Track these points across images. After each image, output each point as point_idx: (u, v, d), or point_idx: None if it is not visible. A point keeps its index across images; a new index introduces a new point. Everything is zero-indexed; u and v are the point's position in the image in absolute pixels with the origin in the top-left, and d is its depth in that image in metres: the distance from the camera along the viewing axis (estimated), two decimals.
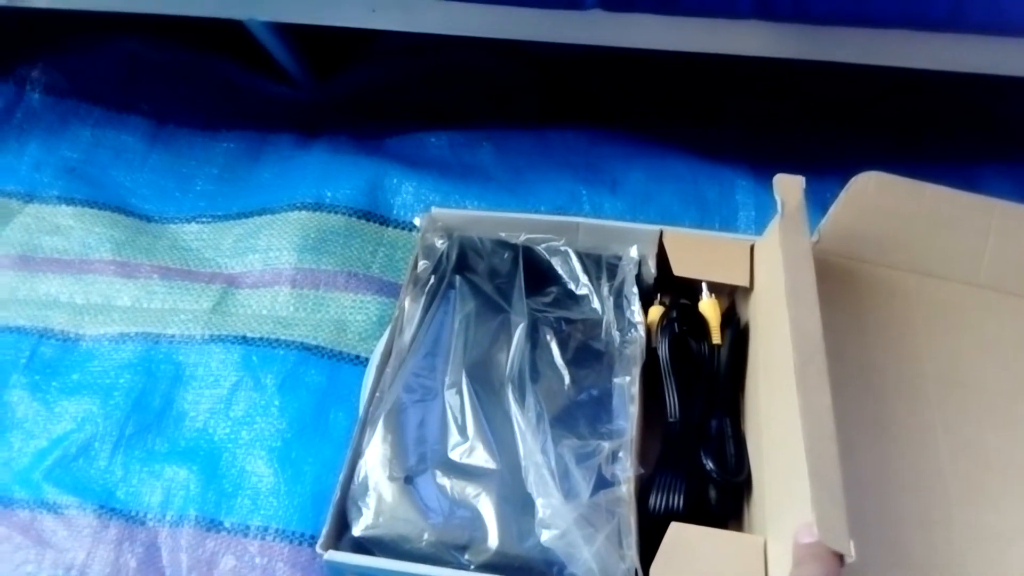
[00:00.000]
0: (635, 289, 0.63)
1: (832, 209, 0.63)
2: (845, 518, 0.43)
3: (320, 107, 0.91)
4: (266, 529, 0.61)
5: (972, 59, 0.69)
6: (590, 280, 0.63)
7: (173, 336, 0.71)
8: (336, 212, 0.78)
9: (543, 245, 0.66)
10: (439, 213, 0.68)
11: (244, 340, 0.70)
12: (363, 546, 0.52)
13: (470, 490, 0.53)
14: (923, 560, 0.51)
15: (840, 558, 0.42)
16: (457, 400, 0.57)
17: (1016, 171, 0.82)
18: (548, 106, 0.91)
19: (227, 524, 0.61)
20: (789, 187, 0.58)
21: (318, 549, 0.51)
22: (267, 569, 0.59)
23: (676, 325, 0.61)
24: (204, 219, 0.80)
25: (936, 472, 0.54)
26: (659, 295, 0.65)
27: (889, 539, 0.51)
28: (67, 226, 0.79)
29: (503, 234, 0.67)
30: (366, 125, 0.88)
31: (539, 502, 0.51)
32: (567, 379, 0.58)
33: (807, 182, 0.58)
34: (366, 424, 0.57)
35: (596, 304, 0.62)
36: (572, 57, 0.91)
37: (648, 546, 0.50)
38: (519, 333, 0.60)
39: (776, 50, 0.71)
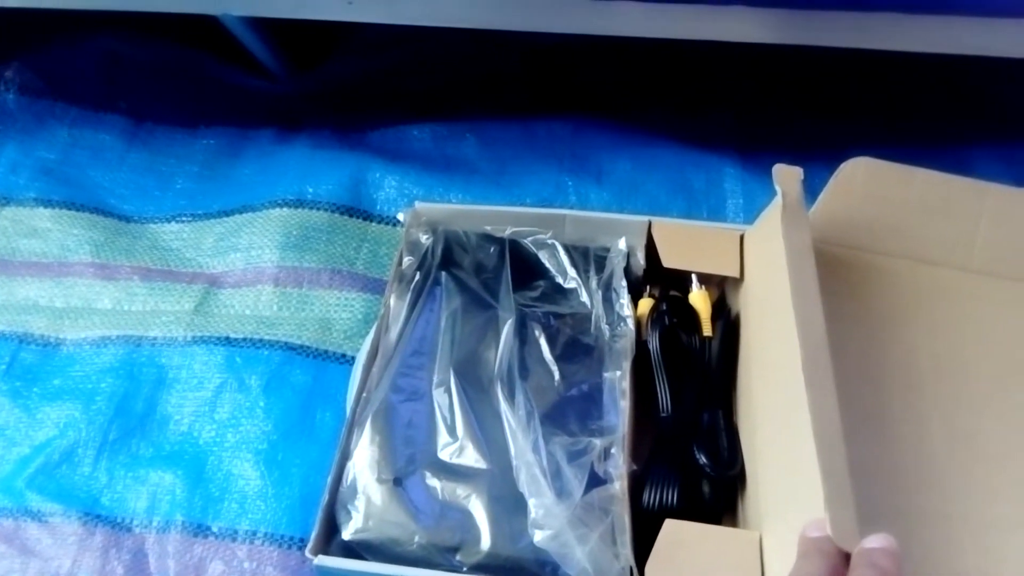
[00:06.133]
0: (624, 282, 0.62)
1: (822, 196, 0.62)
2: (855, 520, 0.42)
3: (300, 100, 0.90)
4: (254, 533, 0.60)
5: (961, 41, 0.68)
6: (578, 273, 0.63)
7: (155, 338, 0.70)
8: (318, 208, 0.77)
9: (530, 238, 0.65)
10: (423, 207, 0.67)
11: (227, 341, 0.69)
12: (353, 550, 0.51)
13: (461, 491, 0.52)
14: (920, 552, 0.51)
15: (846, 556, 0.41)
16: (446, 399, 0.56)
17: (1007, 153, 0.81)
18: (532, 96, 0.90)
19: (214, 529, 0.60)
20: (788, 178, 0.57)
21: (307, 554, 0.50)
22: (256, 574, 0.58)
23: (666, 318, 0.60)
24: (184, 218, 0.79)
25: (932, 462, 0.54)
26: (648, 287, 0.64)
27: (885, 531, 0.51)
28: (45, 228, 0.77)
29: (488, 228, 0.66)
30: (347, 118, 0.86)
31: (531, 502, 0.51)
32: (557, 375, 0.57)
33: None
34: (353, 425, 0.56)
35: (584, 298, 0.61)
36: (556, 46, 0.90)
37: (643, 543, 0.50)
38: (507, 329, 0.59)
39: (762, 36, 0.70)
